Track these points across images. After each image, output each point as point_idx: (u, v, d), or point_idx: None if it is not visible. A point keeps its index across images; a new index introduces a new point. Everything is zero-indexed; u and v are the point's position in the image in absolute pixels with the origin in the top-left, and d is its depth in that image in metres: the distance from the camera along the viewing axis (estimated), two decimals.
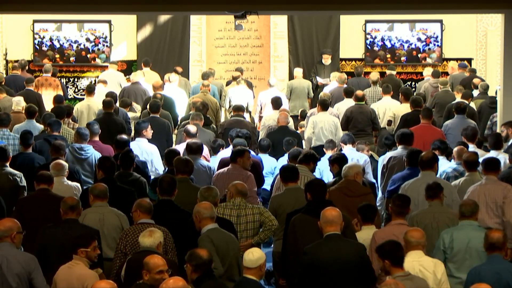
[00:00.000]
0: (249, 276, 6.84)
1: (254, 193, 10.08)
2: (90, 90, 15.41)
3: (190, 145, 10.93)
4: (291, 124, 14.06)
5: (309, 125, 13.96)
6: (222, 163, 10.90)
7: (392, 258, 6.90)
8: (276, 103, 14.73)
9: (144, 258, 6.89)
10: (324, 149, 12.54)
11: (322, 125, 13.87)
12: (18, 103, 14.18)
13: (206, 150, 12.16)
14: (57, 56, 19.52)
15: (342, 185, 9.31)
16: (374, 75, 17.06)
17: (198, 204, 7.98)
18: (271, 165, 11.70)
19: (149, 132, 12.02)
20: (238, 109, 14.15)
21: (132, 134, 13.39)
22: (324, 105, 14.09)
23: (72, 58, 19.54)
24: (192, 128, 12.18)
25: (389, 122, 14.46)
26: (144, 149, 11.76)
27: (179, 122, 14.57)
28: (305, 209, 8.16)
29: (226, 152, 11.66)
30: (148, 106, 13.78)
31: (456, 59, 18.80)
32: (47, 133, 11.96)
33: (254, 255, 6.84)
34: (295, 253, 7.76)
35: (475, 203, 8.10)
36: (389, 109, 14.81)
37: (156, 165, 11.67)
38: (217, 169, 10.89)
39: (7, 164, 10.25)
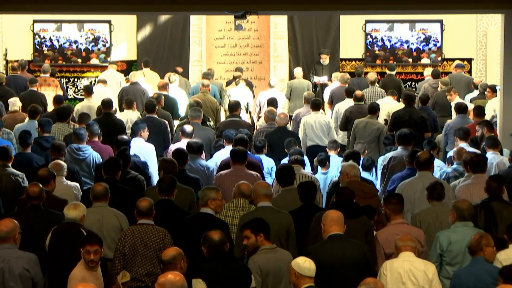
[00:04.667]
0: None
1: None
2: (88, 90, 15.40)
3: (191, 144, 10.96)
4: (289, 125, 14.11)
5: (300, 126, 13.95)
6: (223, 166, 10.82)
7: (265, 232, 7.35)
8: (272, 104, 14.73)
9: (67, 228, 7.72)
10: (327, 150, 12.57)
11: (313, 125, 13.87)
12: (14, 103, 14.20)
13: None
14: (57, 56, 19.52)
15: (353, 187, 9.25)
16: (372, 75, 17.05)
17: (256, 183, 8.55)
18: (268, 166, 11.67)
19: (145, 133, 12.05)
20: (234, 109, 14.08)
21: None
22: (315, 105, 14.12)
23: (72, 58, 19.54)
24: (188, 127, 12.15)
25: (386, 122, 14.49)
26: (143, 148, 11.75)
27: (178, 121, 14.56)
28: (331, 207, 8.15)
29: (222, 153, 11.61)
30: (144, 106, 13.81)
31: (456, 59, 18.79)
32: (38, 134, 11.92)
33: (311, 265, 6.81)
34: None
35: (471, 204, 8.10)
36: (388, 108, 14.84)
37: (151, 164, 11.56)
38: (218, 171, 10.79)
39: (9, 164, 10.22)
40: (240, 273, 7.08)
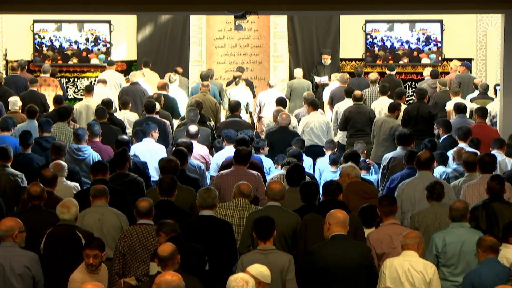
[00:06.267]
0: None
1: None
2: (89, 89, 15.40)
3: (179, 144, 10.96)
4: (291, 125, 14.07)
5: (299, 126, 13.95)
6: (224, 166, 10.80)
7: (257, 231, 7.42)
8: (281, 103, 14.75)
9: (62, 231, 7.75)
10: (324, 149, 12.57)
11: (312, 125, 13.87)
12: (15, 103, 14.18)
13: (205, 150, 12.09)
14: (57, 56, 19.51)
15: (355, 187, 9.29)
16: (373, 75, 17.05)
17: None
18: (267, 166, 11.66)
19: (156, 134, 11.99)
20: (234, 109, 14.06)
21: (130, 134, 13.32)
22: (314, 105, 14.14)
23: (72, 58, 19.53)
24: (192, 128, 12.14)
25: None
26: (153, 149, 11.71)
27: (179, 121, 14.56)
28: (318, 208, 8.16)
29: (223, 154, 11.58)
30: (143, 107, 13.79)
31: (456, 59, 18.77)
32: (38, 134, 11.91)
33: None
34: (304, 252, 7.71)
35: (465, 206, 8.06)
36: (381, 109, 14.82)
37: None
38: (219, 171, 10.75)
39: (9, 164, 10.20)
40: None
